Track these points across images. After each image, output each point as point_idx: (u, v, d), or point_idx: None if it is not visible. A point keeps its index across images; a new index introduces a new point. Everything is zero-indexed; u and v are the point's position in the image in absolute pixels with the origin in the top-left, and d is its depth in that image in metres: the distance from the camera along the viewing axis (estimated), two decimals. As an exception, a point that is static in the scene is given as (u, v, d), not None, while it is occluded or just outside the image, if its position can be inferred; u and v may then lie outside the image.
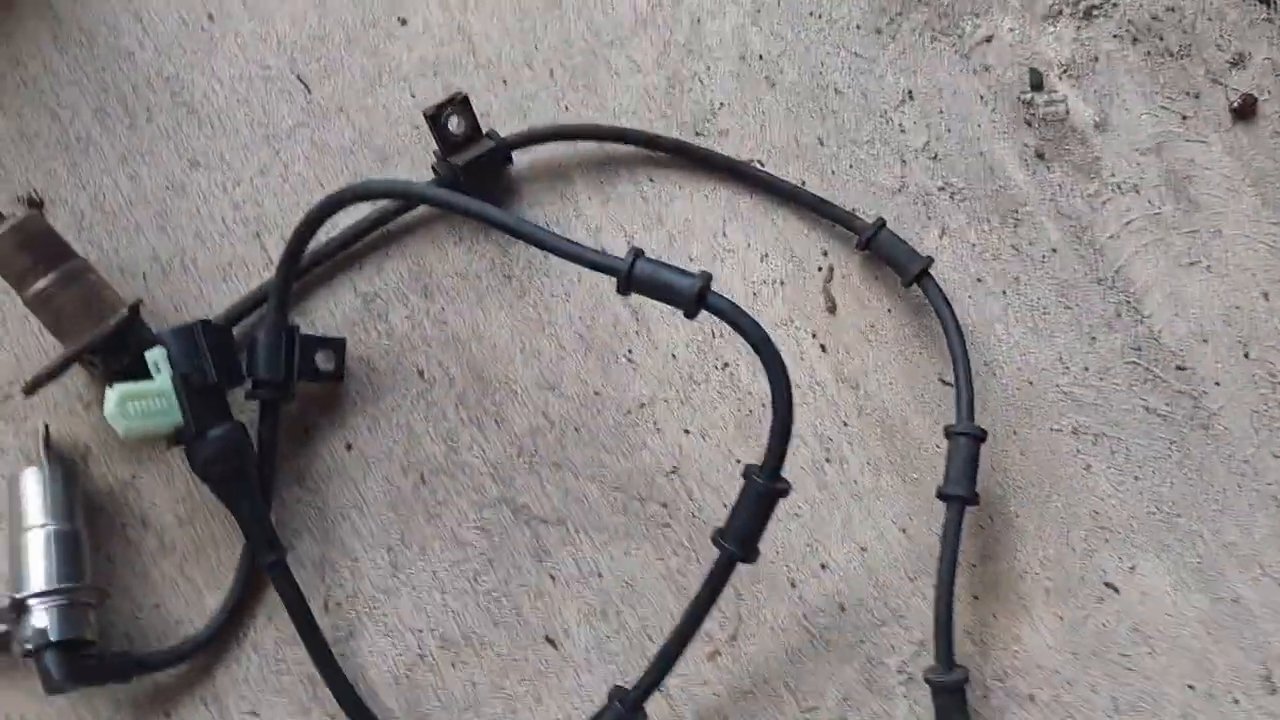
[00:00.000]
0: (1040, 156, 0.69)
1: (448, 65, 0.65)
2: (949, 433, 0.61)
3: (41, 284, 0.53)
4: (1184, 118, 0.70)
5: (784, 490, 0.51)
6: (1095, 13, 0.71)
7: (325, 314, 0.62)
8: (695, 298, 0.50)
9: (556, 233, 0.51)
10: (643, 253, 0.50)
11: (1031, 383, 0.66)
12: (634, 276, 0.50)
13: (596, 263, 0.51)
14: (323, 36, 0.64)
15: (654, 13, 0.67)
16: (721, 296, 0.50)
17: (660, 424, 0.63)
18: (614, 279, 0.51)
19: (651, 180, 0.66)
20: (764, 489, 0.51)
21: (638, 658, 0.61)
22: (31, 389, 0.54)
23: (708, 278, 0.50)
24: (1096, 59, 0.70)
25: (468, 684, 0.59)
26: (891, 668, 0.62)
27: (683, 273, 0.50)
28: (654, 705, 0.57)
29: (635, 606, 0.61)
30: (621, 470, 0.62)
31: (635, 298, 0.63)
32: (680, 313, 0.63)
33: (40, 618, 0.51)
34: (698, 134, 0.66)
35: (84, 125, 0.61)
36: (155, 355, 0.53)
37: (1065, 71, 0.70)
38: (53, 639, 0.51)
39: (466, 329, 0.63)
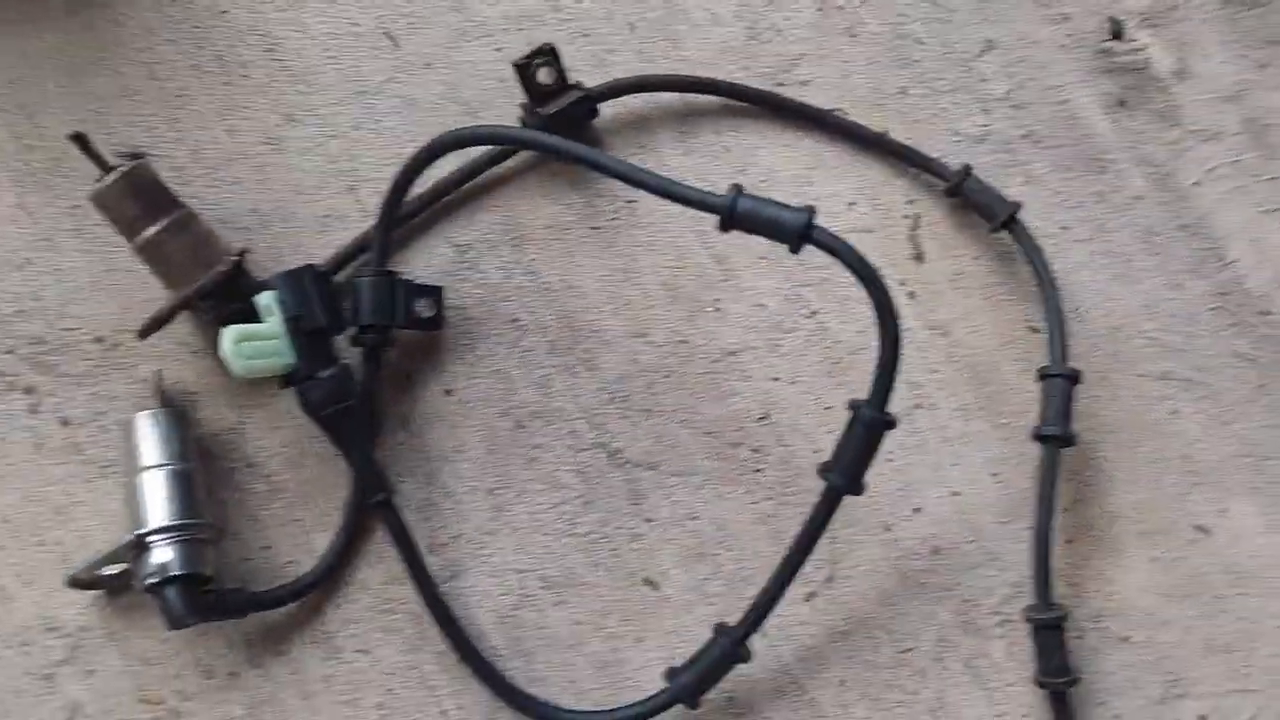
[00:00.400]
0: (1122, 104, 0.69)
1: (530, 20, 0.66)
2: (1043, 374, 0.61)
3: (151, 231, 0.54)
4: (1263, 66, 0.70)
5: (891, 422, 0.52)
6: (1173, -38, 0.71)
7: (420, 265, 0.62)
8: (800, 232, 0.50)
9: (657, 174, 0.52)
10: (743, 189, 0.51)
11: (1118, 329, 0.66)
12: (737, 213, 0.51)
13: (698, 200, 0.51)
14: (410, -7, 0.65)
15: (734, -35, 0.67)
16: (826, 230, 0.50)
17: (749, 372, 0.64)
18: (715, 217, 0.51)
19: (734, 131, 0.66)
20: (872, 419, 0.51)
21: (735, 599, 0.61)
22: (145, 333, 0.55)
23: (812, 211, 0.50)
24: (1175, 7, 0.70)
25: (570, 623, 0.60)
26: (987, 610, 0.62)
27: (786, 207, 0.50)
28: (753, 644, 0.57)
29: (731, 549, 0.62)
30: (713, 416, 0.63)
31: (720, 248, 0.64)
32: (765, 263, 0.64)
33: (162, 553, 0.52)
34: (778, 85, 0.67)
35: (182, 81, 0.62)
36: (266, 298, 0.54)
37: (1144, 20, 0.70)
38: (174, 573, 0.52)
39: (557, 279, 0.63)
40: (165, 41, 0.62)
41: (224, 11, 0.63)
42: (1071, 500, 0.64)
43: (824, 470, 0.53)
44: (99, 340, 0.59)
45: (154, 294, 0.60)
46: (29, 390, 0.59)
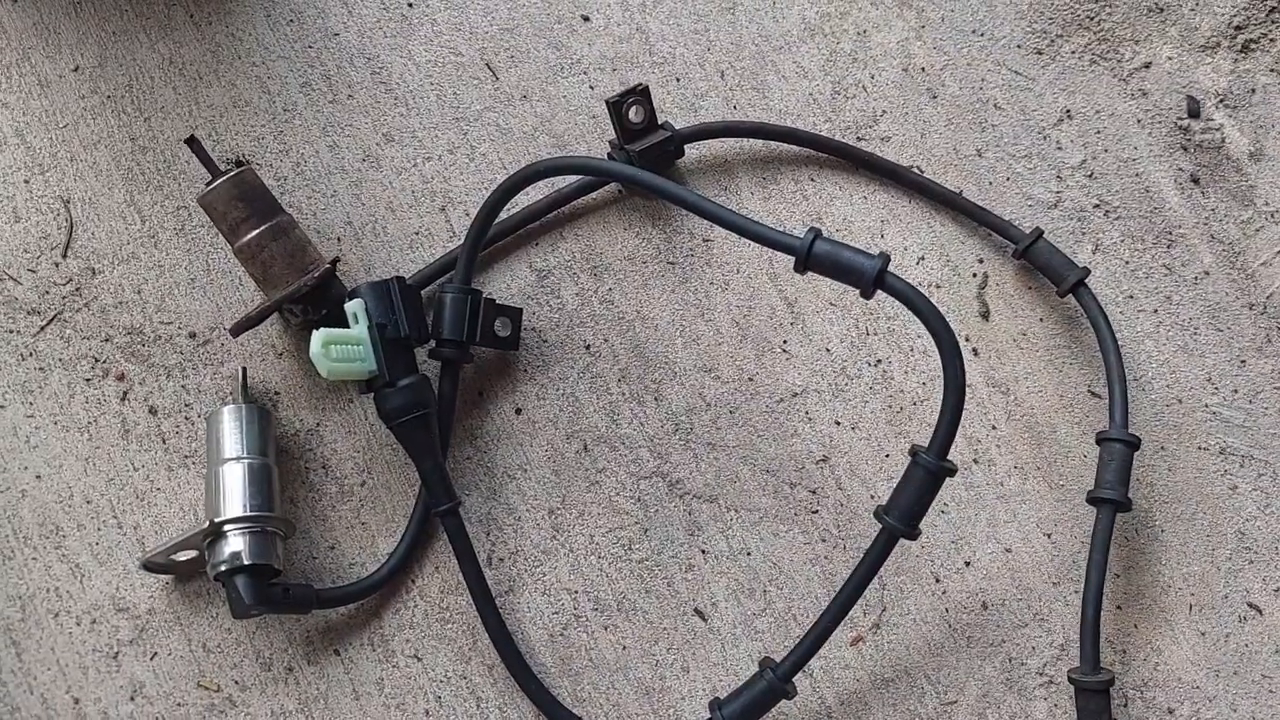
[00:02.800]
0: (1195, 181, 0.70)
1: (625, 61, 0.68)
2: (1101, 438, 0.62)
3: (252, 235, 0.57)
4: (1339, 153, 0.70)
5: (951, 470, 0.52)
6: (1253, 47, 0.72)
7: (502, 286, 0.65)
8: (874, 278, 0.51)
9: (737, 212, 0.53)
10: (821, 232, 0.52)
11: (1180, 400, 0.67)
12: (813, 255, 0.52)
13: (776, 240, 0.53)
14: (511, 28, 0.67)
15: (822, 22, 0.70)
16: (899, 278, 0.52)
17: (812, 414, 0.65)
18: (790, 259, 0.53)
19: (813, 180, 0.68)
20: (932, 467, 0.52)
21: (783, 637, 0.62)
22: (237, 330, 0.57)
23: (886, 259, 0.51)
24: (1253, 91, 0.71)
25: (618, 647, 0.61)
26: (1032, 669, 0.62)
27: (862, 253, 0.52)
28: (797, 684, 0.58)
29: (782, 588, 0.62)
30: (773, 455, 0.64)
31: (792, 291, 0.65)
32: (834, 309, 0.65)
33: (235, 542, 0.54)
34: (859, 139, 0.69)
35: (290, 97, 0.65)
36: (354, 306, 0.56)
37: (1222, 101, 0.71)
38: (245, 562, 0.54)
39: (631, 309, 0.65)
40: (279, 58, 0.65)
41: (336, 34, 0.66)
42: (1123, 567, 0.64)
43: (881, 513, 0.54)
44: (192, 336, 0.62)
45: (247, 295, 0.62)
46: (122, 378, 0.61)
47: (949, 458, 0.53)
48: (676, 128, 0.65)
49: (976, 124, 0.69)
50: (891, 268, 0.67)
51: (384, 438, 0.62)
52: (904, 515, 0.53)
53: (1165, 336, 0.67)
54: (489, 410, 0.63)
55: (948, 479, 0.53)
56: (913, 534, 0.53)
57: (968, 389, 0.66)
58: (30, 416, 0.61)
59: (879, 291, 0.52)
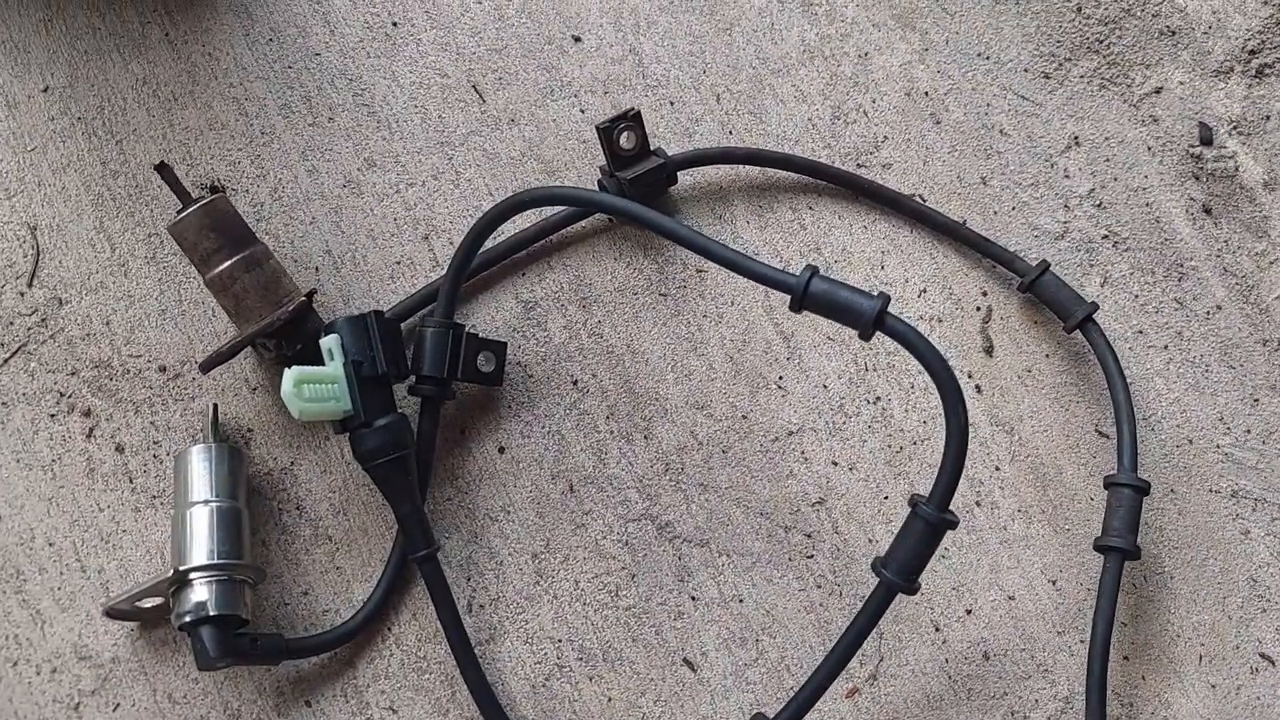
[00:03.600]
0: (1208, 212, 0.67)
1: (617, 84, 0.66)
2: (1109, 483, 0.59)
3: (224, 266, 0.54)
4: (1357, 183, 0.68)
5: (953, 522, 0.50)
6: (1267, 72, 0.69)
7: (486, 318, 0.62)
8: (873, 319, 0.49)
9: (731, 248, 0.51)
10: (818, 270, 0.50)
11: (1191, 441, 0.64)
12: (809, 294, 0.50)
13: (771, 278, 0.51)
14: (500, 49, 0.65)
15: (822, 45, 0.67)
16: (900, 319, 0.49)
17: (808, 453, 0.62)
18: (787, 297, 0.50)
19: (811, 209, 0.65)
20: (933, 519, 0.49)
21: (775, 688, 0.59)
22: (207, 366, 0.55)
23: (886, 299, 0.49)
24: (1268, 118, 0.69)
25: (603, 699, 0.59)
26: (1035, 723, 0.60)
27: (861, 293, 0.49)
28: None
29: (775, 636, 0.60)
30: (767, 497, 0.61)
31: (788, 325, 0.63)
32: (831, 343, 0.63)
33: (200, 592, 0.52)
34: (859, 166, 0.66)
35: (269, 119, 0.63)
36: (330, 342, 0.54)
37: (1235, 128, 0.69)
38: (211, 613, 0.51)
39: (621, 343, 0.62)
40: (257, 79, 0.63)
41: (317, 54, 0.64)
42: (1130, 615, 0.62)
43: (879, 565, 0.51)
44: (162, 369, 0.59)
45: (220, 327, 0.60)
46: (88, 413, 0.59)
47: (951, 507, 0.50)
48: (670, 154, 0.63)
49: (981, 151, 0.67)
50: (892, 301, 0.65)
51: (361, 477, 0.59)
52: (902, 569, 0.50)
53: (1176, 374, 0.65)
54: (471, 449, 0.60)
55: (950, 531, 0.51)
56: (912, 588, 0.51)
57: (970, 428, 0.63)
58: (-8, 453, 0.58)
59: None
